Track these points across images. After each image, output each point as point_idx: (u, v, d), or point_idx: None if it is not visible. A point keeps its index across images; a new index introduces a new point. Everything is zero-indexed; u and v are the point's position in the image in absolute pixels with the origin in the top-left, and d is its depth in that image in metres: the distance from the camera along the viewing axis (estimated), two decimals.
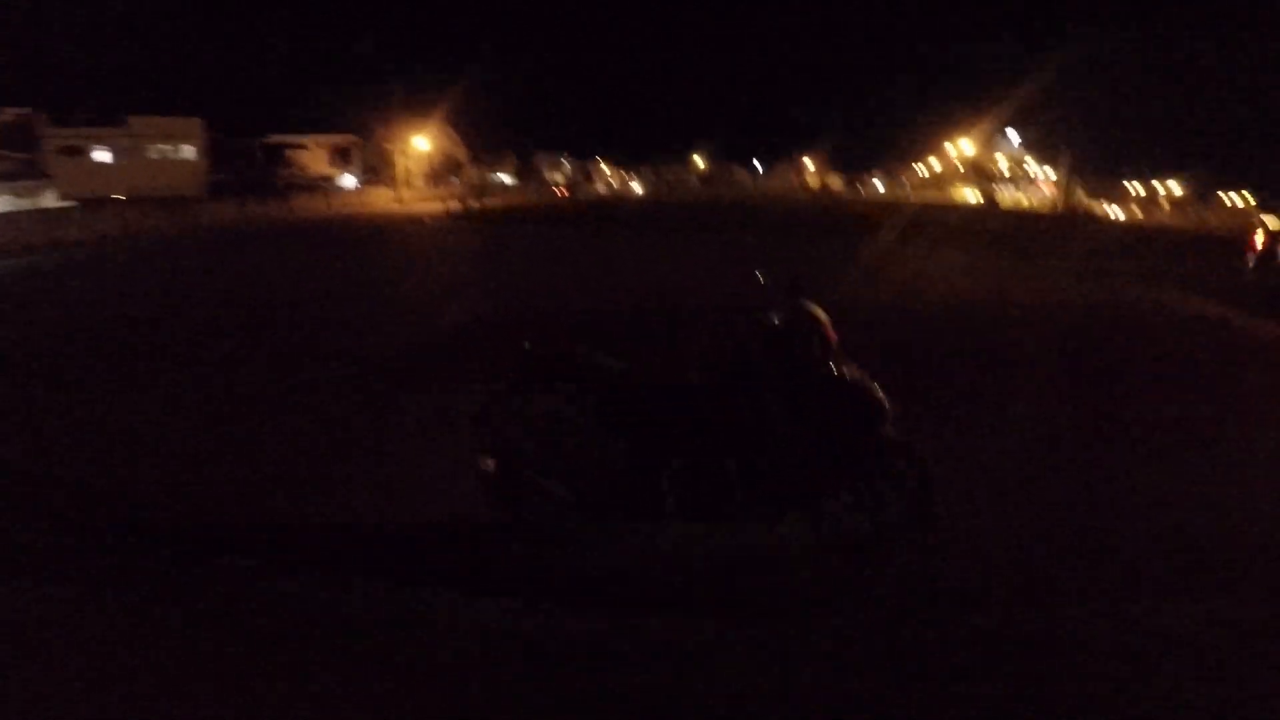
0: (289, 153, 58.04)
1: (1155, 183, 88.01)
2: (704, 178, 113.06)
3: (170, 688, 2.47)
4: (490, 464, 3.55)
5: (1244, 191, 76.90)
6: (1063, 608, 3.19)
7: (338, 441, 5.20)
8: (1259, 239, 12.49)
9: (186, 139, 48.88)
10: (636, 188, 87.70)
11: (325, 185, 55.85)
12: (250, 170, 54.02)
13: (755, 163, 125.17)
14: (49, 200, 37.71)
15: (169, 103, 48.30)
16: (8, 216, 29.18)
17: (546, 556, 3.53)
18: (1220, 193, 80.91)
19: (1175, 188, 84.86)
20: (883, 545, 3.52)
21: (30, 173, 39.11)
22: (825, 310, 3.53)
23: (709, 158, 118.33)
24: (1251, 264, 12.71)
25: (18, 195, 36.60)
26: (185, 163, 48.86)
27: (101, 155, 44.80)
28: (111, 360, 7.80)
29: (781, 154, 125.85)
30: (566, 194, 73.14)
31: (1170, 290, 14.18)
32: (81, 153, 43.62)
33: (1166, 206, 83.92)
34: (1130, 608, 3.20)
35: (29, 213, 31.49)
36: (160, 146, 47.18)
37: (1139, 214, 79.58)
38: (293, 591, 3.21)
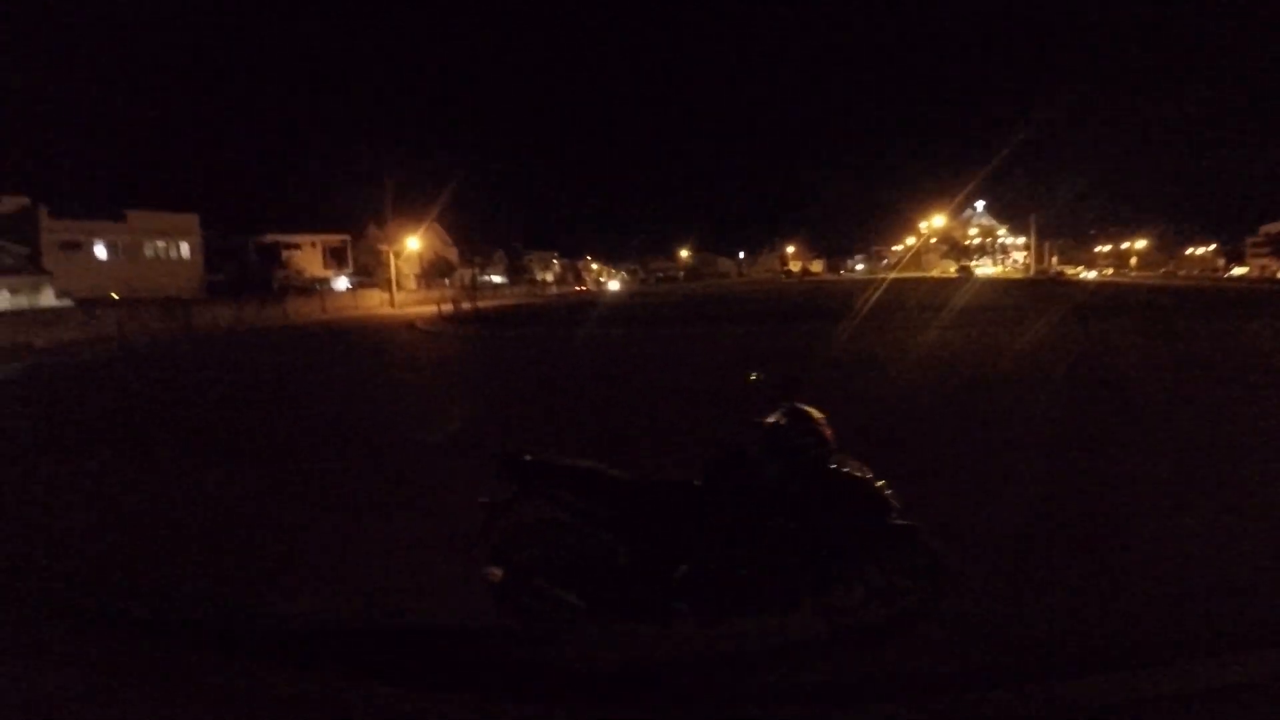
0: (285, 253, 57.40)
1: (1124, 243, 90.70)
2: (689, 270, 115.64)
3: None
4: (497, 574, 3.64)
5: (1213, 244, 79.88)
6: (1079, 680, 3.25)
7: (335, 549, 5.15)
8: None
9: (184, 235, 48.11)
10: (614, 285, 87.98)
11: (320, 287, 55.01)
12: (245, 270, 53.17)
13: (740, 253, 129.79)
14: (47, 298, 36.55)
15: (157, 197, 47.70)
16: (6, 317, 29.46)
17: (560, 660, 3.63)
18: (1188, 247, 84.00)
19: (1139, 244, 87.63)
20: (898, 634, 3.61)
21: (29, 267, 37.92)
22: (820, 409, 3.65)
23: (694, 249, 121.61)
24: None
25: (14, 291, 35.51)
26: (182, 262, 47.98)
27: (100, 251, 43.77)
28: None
29: (764, 242, 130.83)
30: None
31: None
32: (79, 248, 42.68)
33: (1134, 263, 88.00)
34: (1142, 674, 3.28)
35: (28, 312, 31.86)
36: (157, 244, 46.34)
37: (1109, 272, 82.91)
38: (310, 692, 3.28)
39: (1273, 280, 56.46)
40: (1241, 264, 68.66)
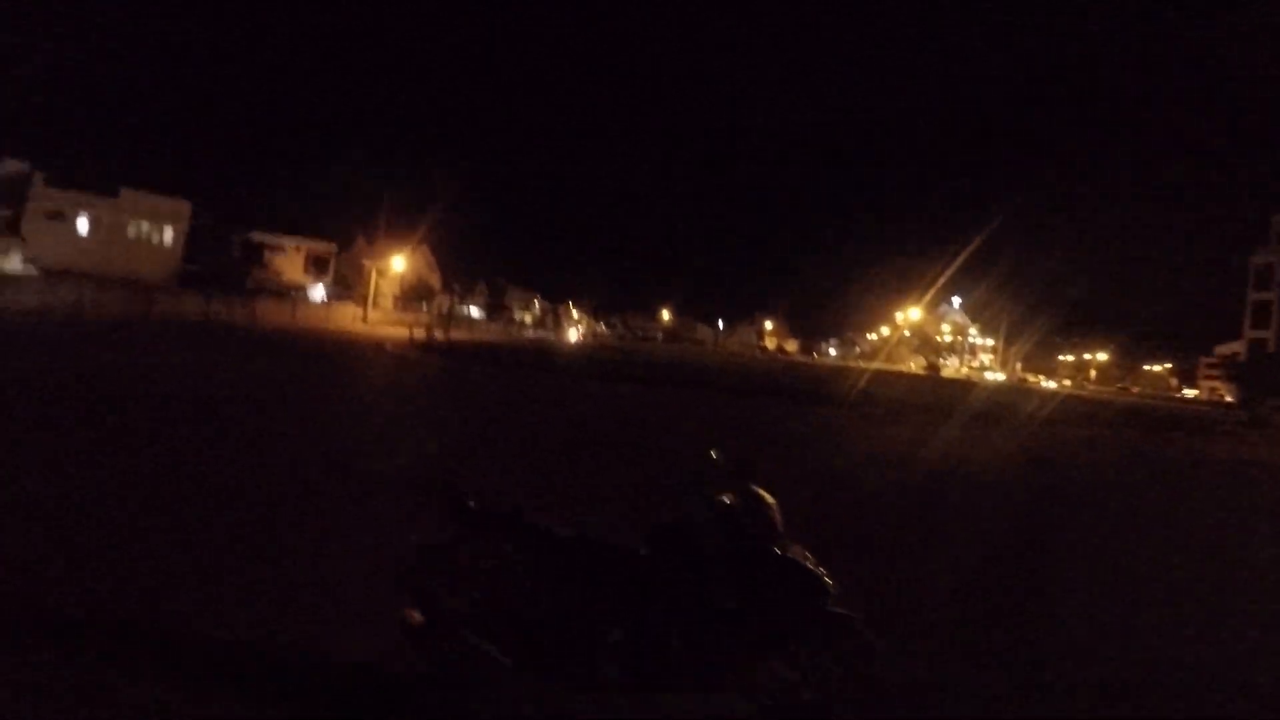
0: (267, 253, 56.90)
1: (1085, 354, 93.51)
2: (668, 332, 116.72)
3: None
4: (416, 617, 3.52)
5: (1168, 363, 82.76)
6: None
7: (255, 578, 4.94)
8: None
9: (173, 221, 47.53)
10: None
11: (295, 294, 54.16)
12: (225, 265, 52.25)
13: (719, 321, 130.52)
14: (13, 264, 35.93)
15: (153, 178, 46.83)
16: None
17: (478, 710, 3.56)
18: (1145, 364, 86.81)
19: (1100, 356, 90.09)
20: (823, 717, 3.63)
21: (3, 231, 37.36)
22: (772, 493, 3.72)
23: (675, 311, 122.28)
24: None
25: None
26: (163, 248, 47.33)
27: (82, 225, 43.18)
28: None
29: (743, 314, 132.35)
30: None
31: None
32: (63, 219, 42.03)
33: (1093, 375, 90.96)
34: None
35: None
36: (143, 225, 45.71)
37: (1067, 383, 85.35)
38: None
39: (1220, 402, 58.38)
40: (1193, 385, 71.27)
